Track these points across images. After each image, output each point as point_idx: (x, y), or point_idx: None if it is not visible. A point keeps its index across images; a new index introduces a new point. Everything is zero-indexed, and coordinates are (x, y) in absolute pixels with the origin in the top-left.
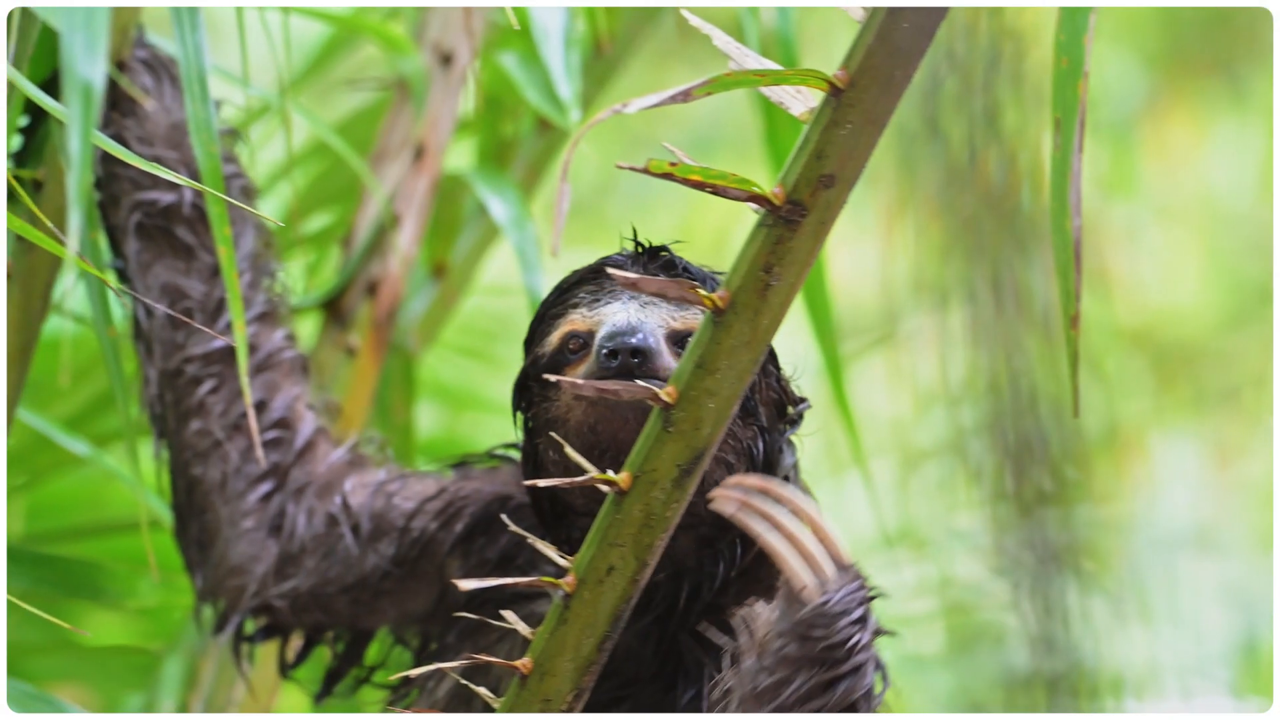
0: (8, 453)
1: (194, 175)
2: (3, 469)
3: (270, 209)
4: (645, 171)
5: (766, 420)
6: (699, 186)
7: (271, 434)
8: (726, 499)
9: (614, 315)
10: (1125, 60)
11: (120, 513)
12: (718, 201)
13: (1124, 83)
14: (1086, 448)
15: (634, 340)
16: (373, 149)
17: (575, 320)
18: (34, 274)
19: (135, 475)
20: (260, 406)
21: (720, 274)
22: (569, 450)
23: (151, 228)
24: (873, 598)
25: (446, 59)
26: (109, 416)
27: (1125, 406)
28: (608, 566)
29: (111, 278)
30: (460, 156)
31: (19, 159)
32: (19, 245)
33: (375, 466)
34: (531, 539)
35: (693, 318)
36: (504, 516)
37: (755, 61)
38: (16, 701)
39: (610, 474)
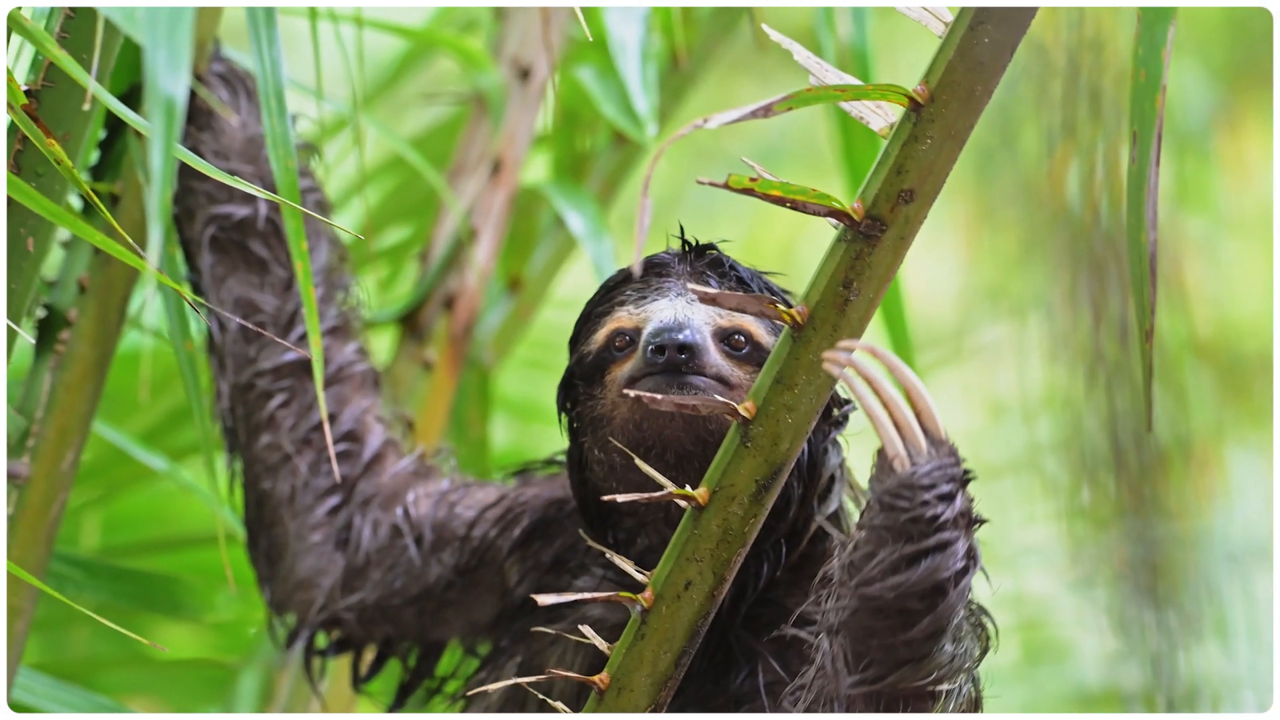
0: (85, 466)
1: (269, 189)
2: (2, 483)
3: (346, 223)
4: (726, 187)
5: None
6: (779, 202)
7: (340, 447)
8: (833, 360)
9: (660, 312)
10: (1193, 72)
11: (196, 527)
12: (783, 214)
13: (1193, 95)
14: (1161, 462)
15: (681, 336)
16: (450, 163)
17: (621, 318)
18: (110, 288)
19: (212, 489)
20: (330, 420)
21: (771, 274)
22: (639, 463)
23: (226, 241)
24: (967, 479)
25: (524, 73)
26: (185, 430)
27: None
28: (685, 581)
29: (188, 291)
30: (536, 170)
31: (95, 172)
32: (95, 259)
33: (440, 477)
34: (609, 553)
35: (739, 315)
36: (573, 525)
37: (835, 76)
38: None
39: (688, 489)
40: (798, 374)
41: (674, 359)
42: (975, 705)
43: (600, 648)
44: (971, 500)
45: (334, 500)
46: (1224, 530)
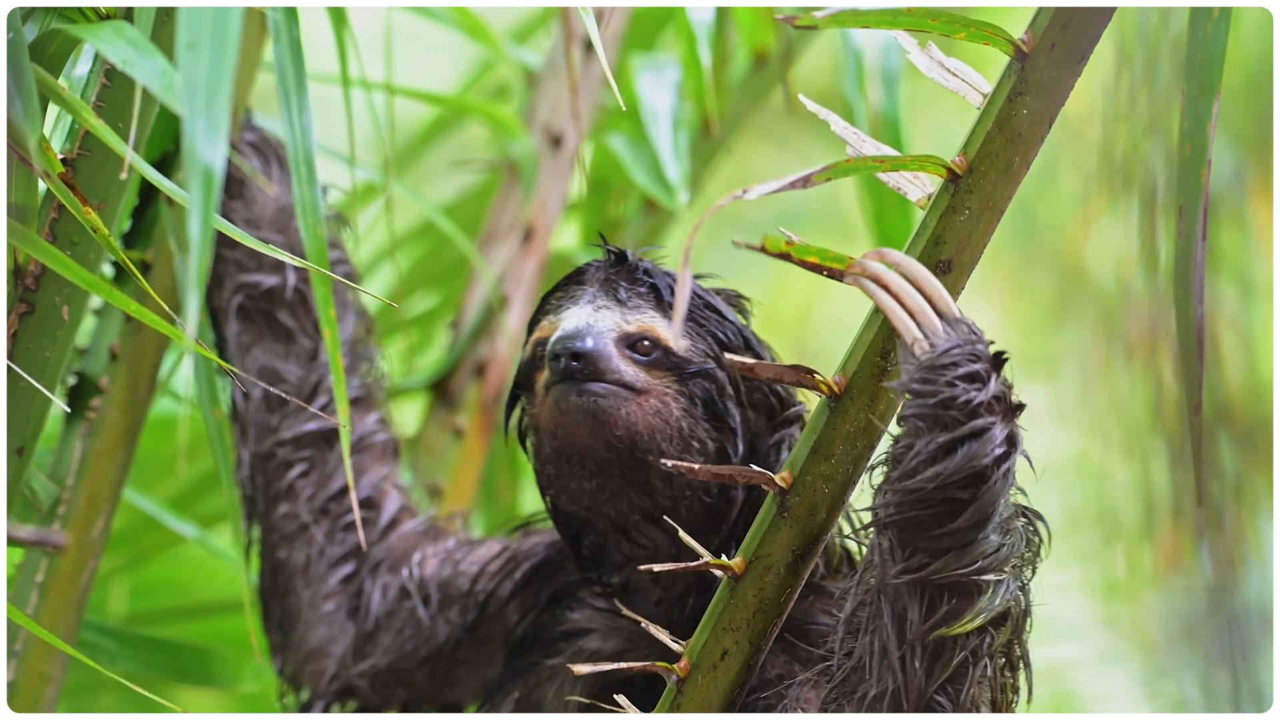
0: (114, 532)
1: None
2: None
3: (376, 289)
4: (763, 250)
5: (755, 423)
6: (815, 269)
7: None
8: (849, 273)
9: (566, 320)
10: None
11: (224, 594)
12: (801, 278)
13: (1217, 160)
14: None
15: (575, 344)
16: (482, 230)
17: (544, 326)
18: (141, 355)
19: (240, 556)
20: (345, 489)
21: (703, 276)
22: (683, 535)
23: (253, 310)
24: (998, 361)
25: (556, 140)
26: (214, 497)
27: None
28: (721, 651)
29: (219, 359)
30: (568, 237)
31: (126, 240)
32: (126, 327)
33: (449, 537)
34: (644, 623)
35: (648, 320)
36: (570, 563)
37: (872, 147)
38: None
39: (724, 559)
40: (835, 444)
41: (569, 367)
42: (1025, 615)
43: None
44: (1007, 384)
45: (347, 569)
46: (1257, 595)
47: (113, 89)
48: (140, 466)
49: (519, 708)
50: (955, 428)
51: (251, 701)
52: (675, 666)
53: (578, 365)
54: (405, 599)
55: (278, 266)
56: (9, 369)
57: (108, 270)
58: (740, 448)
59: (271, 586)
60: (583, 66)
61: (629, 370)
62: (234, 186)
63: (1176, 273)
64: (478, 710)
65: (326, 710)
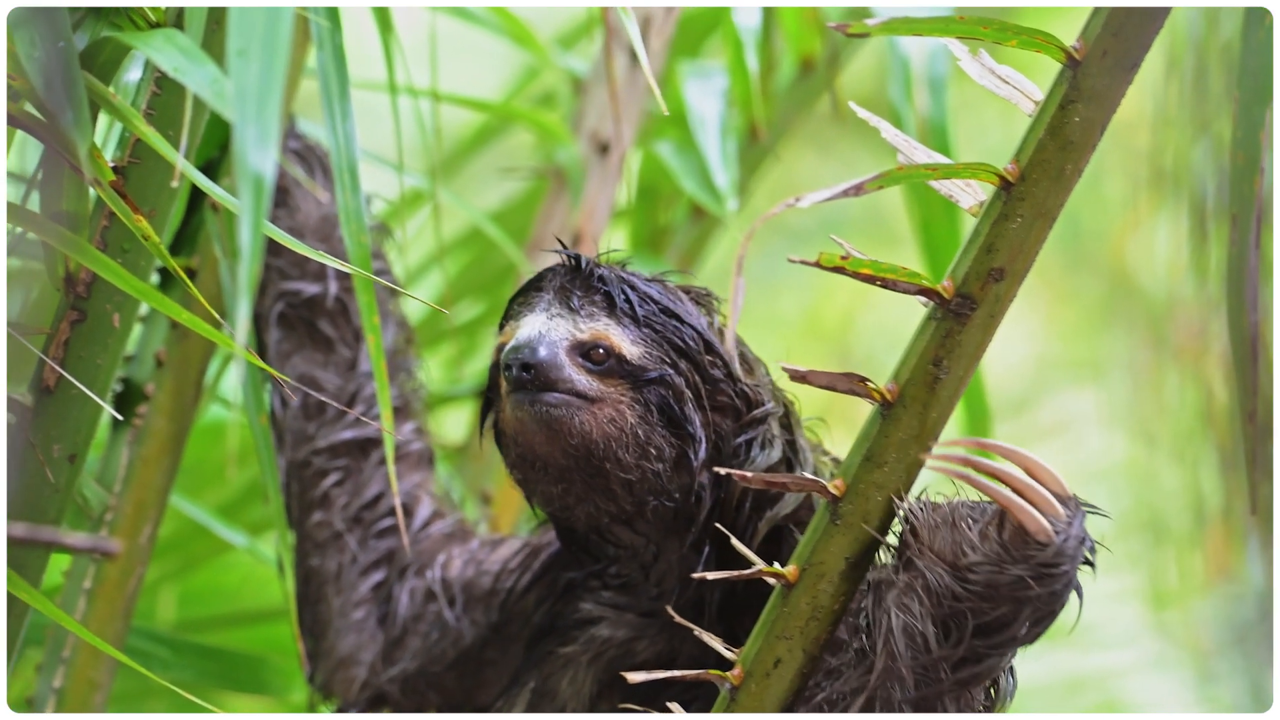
0: (162, 540)
1: (338, 269)
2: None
3: (423, 296)
4: (818, 265)
5: (720, 425)
6: (869, 280)
7: (386, 521)
8: (944, 470)
9: (521, 329)
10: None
11: (273, 601)
12: (844, 286)
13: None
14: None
15: (523, 355)
16: (529, 237)
17: (505, 332)
18: (187, 362)
19: (287, 563)
20: (379, 497)
21: (668, 274)
22: (734, 543)
23: (294, 318)
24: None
25: (603, 147)
26: (261, 504)
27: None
28: (775, 659)
29: (267, 366)
30: (616, 244)
31: (172, 248)
32: (172, 334)
33: (474, 538)
34: (697, 630)
35: (601, 328)
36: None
37: (924, 155)
38: None
39: (778, 566)
40: (887, 451)
41: (520, 377)
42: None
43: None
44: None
45: (378, 576)
46: None
47: (163, 96)
48: (189, 474)
49: (534, 697)
50: (1056, 601)
51: (301, 709)
52: (729, 675)
53: (529, 376)
54: (431, 602)
55: (320, 275)
56: (60, 377)
57: (154, 278)
58: (702, 452)
59: (303, 594)
60: (629, 73)
61: (581, 379)
62: (278, 194)
63: (1229, 281)
64: (496, 701)
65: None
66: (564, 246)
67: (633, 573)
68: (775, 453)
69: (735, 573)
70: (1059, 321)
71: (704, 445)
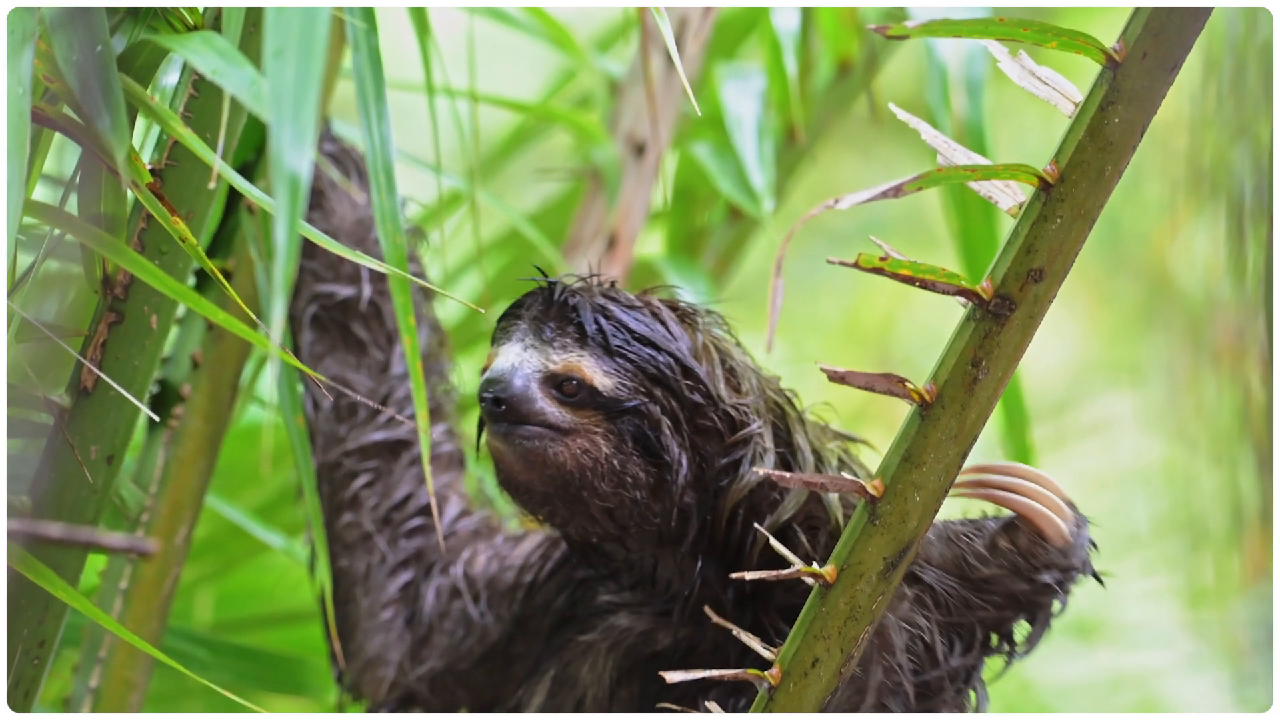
0: (200, 541)
1: (373, 272)
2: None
3: (461, 297)
4: (856, 266)
5: (704, 448)
6: (909, 281)
7: (415, 521)
8: (966, 490)
9: (498, 359)
10: None
11: (307, 602)
12: (884, 288)
13: None
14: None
15: (494, 390)
16: (566, 238)
17: (488, 356)
18: (223, 363)
19: (322, 559)
20: (408, 498)
21: (654, 292)
22: (774, 544)
23: (327, 320)
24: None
25: (639, 148)
26: (297, 505)
27: None
28: (813, 659)
29: (304, 367)
30: (651, 245)
31: (208, 250)
32: (208, 335)
33: (498, 533)
34: (736, 630)
35: (574, 359)
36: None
37: (963, 156)
38: None
39: (816, 566)
40: (926, 452)
41: (494, 411)
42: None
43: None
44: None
45: (406, 576)
46: None
47: (201, 99)
48: (225, 475)
49: (555, 685)
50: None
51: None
52: (767, 674)
53: (501, 409)
54: (456, 599)
55: (354, 278)
56: (98, 378)
57: (190, 280)
58: (681, 478)
59: (332, 595)
60: (665, 75)
61: (553, 411)
62: (313, 197)
63: (1267, 281)
64: (518, 691)
65: None
66: (543, 274)
67: (639, 578)
68: (768, 465)
69: (773, 573)
70: (1098, 324)
71: (684, 471)
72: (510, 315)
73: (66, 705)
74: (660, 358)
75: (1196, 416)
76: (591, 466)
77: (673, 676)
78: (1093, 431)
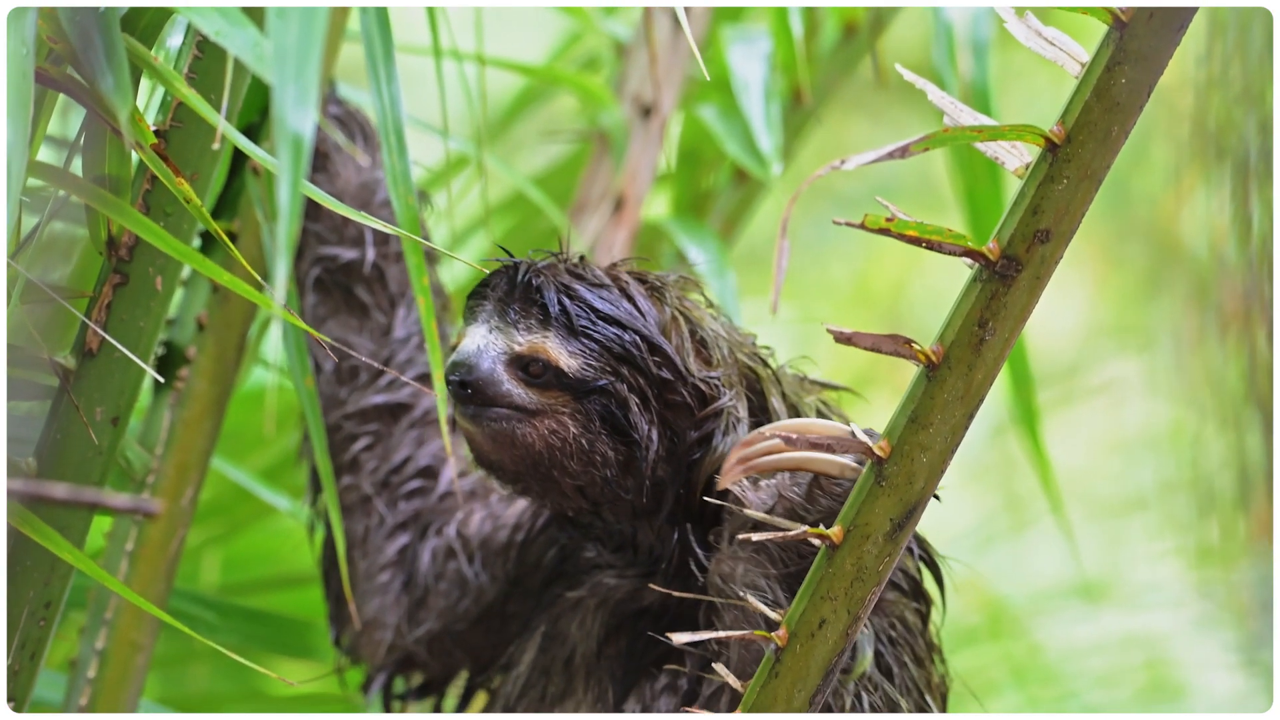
0: (207, 504)
1: (376, 236)
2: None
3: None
4: (862, 227)
5: (675, 423)
6: (915, 242)
7: (413, 484)
8: (734, 476)
9: (465, 341)
10: None
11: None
12: (895, 252)
13: None
14: None
15: (459, 374)
16: (573, 201)
17: (458, 335)
18: (228, 325)
19: (338, 527)
20: (406, 461)
21: (624, 268)
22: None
23: (331, 283)
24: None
25: (646, 111)
26: (301, 468)
27: None
28: (819, 620)
29: (309, 328)
30: (658, 207)
31: (213, 212)
32: (213, 297)
33: (493, 493)
34: (741, 595)
35: (538, 340)
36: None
37: (970, 117)
38: None
39: (823, 528)
40: (933, 413)
41: (460, 394)
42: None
43: (735, 687)
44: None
45: (404, 539)
46: None
47: (205, 60)
48: (233, 438)
49: (545, 641)
50: None
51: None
52: (774, 635)
53: (470, 393)
54: (451, 559)
55: (357, 241)
56: (103, 340)
57: (196, 241)
58: (652, 454)
59: (330, 557)
60: (671, 37)
61: (519, 393)
62: (317, 160)
63: (1274, 242)
64: (509, 648)
65: (390, 683)
66: (508, 254)
67: (620, 543)
68: (741, 434)
69: (779, 534)
70: (1106, 288)
71: (654, 447)
72: (476, 296)
73: (73, 667)
74: (626, 336)
75: (1203, 379)
76: (560, 446)
77: (678, 638)
78: (1100, 395)
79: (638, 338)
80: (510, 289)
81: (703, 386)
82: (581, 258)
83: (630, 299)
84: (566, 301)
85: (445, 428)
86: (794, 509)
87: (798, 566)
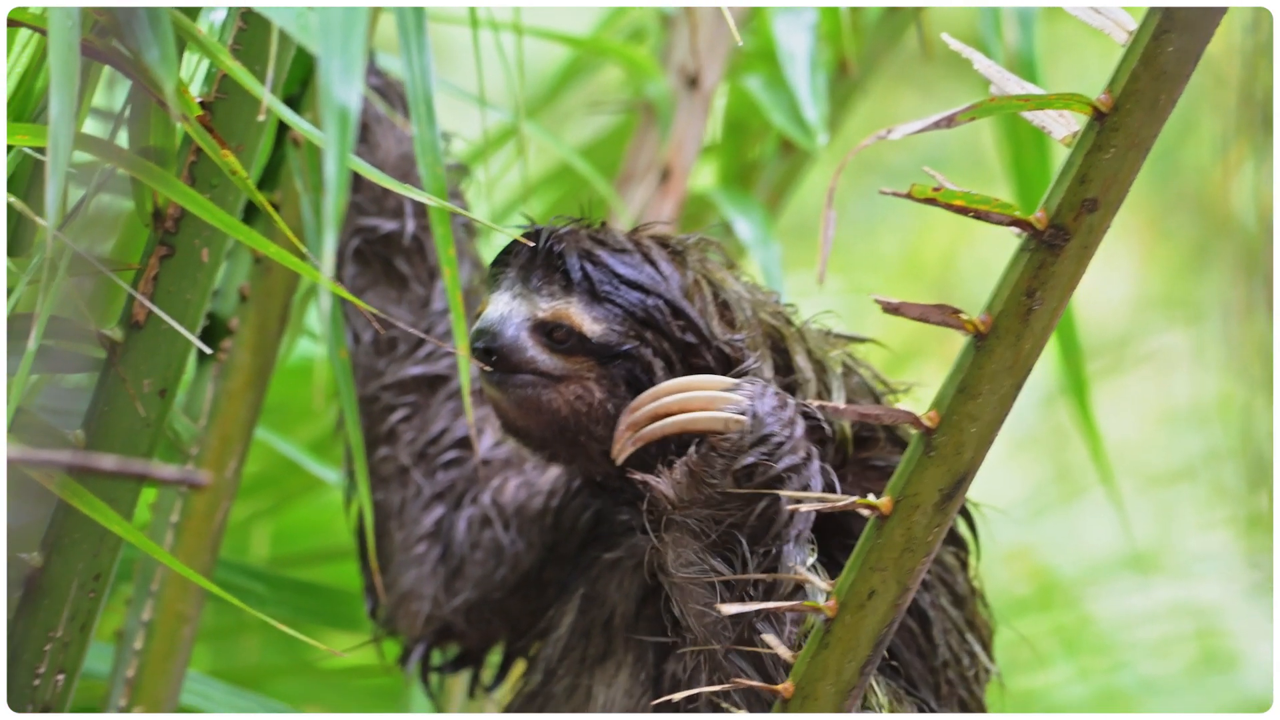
0: (255, 477)
1: (416, 207)
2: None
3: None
4: (909, 196)
5: None
6: (962, 211)
7: (450, 454)
8: (624, 447)
9: (489, 307)
10: None
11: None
12: (945, 225)
13: None
14: None
15: (483, 341)
16: (619, 171)
17: (483, 302)
18: (271, 296)
19: (367, 501)
20: (444, 432)
21: (646, 238)
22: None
23: (370, 254)
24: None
25: (692, 81)
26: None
27: None
28: (869, 591)
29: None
30: (704, 178)
31: (256, 184)
32: (255, 268)
33: (528, 462)
34: (794, 566)
35: (562, 306)
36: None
37: (1017, 86)
38: None
39: (872, 499)
40: (981, 383)
41: (485, 360)
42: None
43: (785, 658)
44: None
45: (441, 510)
46: None
47: (249, 32)
48: (280, 411)
49: (583, 603)
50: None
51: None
52: (824, 606)
53: (495, 360)
54: (487, 528)
55: (397, 212)
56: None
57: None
58: None
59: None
60: (715, 8)
61: (544, 358)
62: (358, 131)
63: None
64: (549, 612)
65: (427, 655)
66: (530, 221)
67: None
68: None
69: (827, 505)
70: (1155, 260)
71: None
72: (499, 263)
73: (119, 639)
74: (649, 301)
75: (1253, 350)
76: (586, 411)
77: (727, 609)
78: (1148, 365)
79: (661, 301)
80: (533, 256)
81: (727, 349)
82: (603, 223)
83: (653, 263)
84: (589, 267)
85: (469, 401)
86: (703, 481)
87: (718, 532)
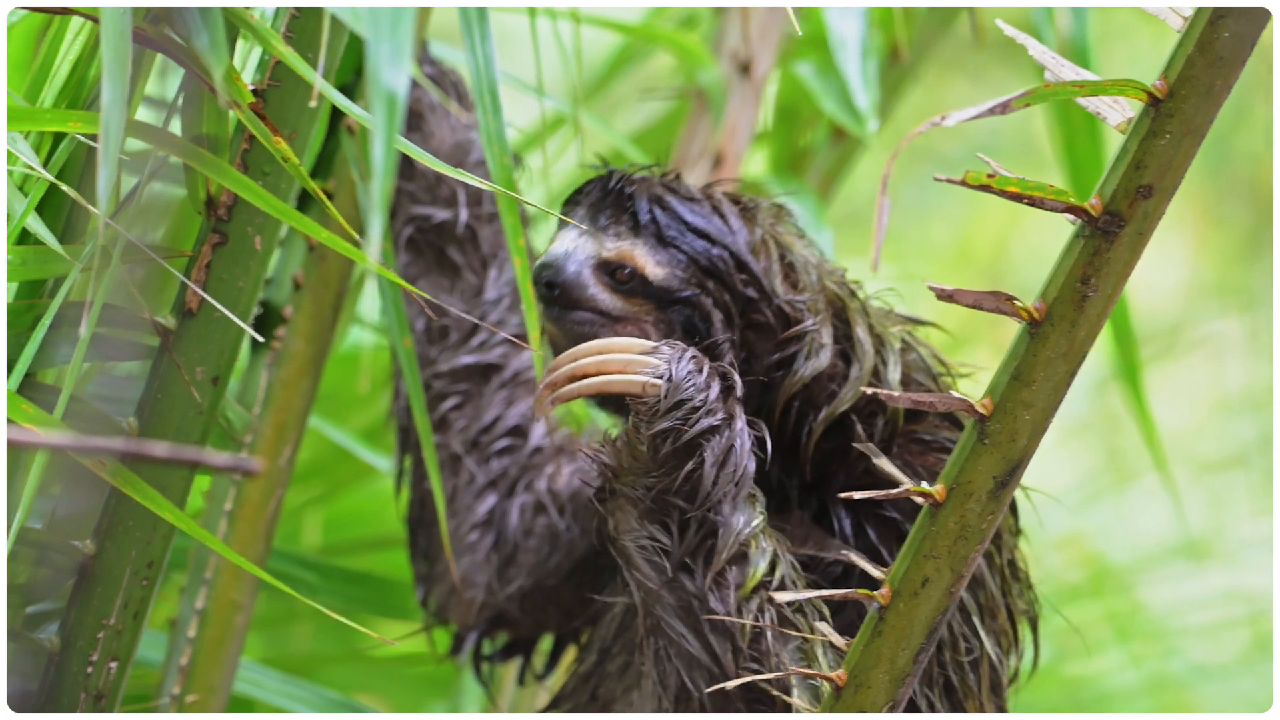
0: (307, 464)
1: (470, 196)
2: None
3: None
4: (963, 183)
5: (754, 343)
6: (1016, 198)
7: (502, 443)
8: (544, 408)
9: (554, 244)
10: None
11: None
12: (997, 211)
13: None
14: None
15: (548, 274)
16: (671, 159)
17: (549, 241)
18: (325, 284)
19: (437, 484)
20: (496, 420)
21: (709, 194)
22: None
23: (423, 243)
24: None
25: (744, 68)
26: None
27: None
28: (923, 579)
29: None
30: (756, 165)
31: (310, 172)
32: (309, 256)
33: (581, 450)
34: (845, 551)
35: (627, 247)
36: None
37: (1071, 72)
38: (318, 708)
39: (925, 486)
40: (1035, 370)
41: (547, 295)
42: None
43: (839, 645)
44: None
45: (493, 498)
46: None
47: (301, 19)
48: (332, 399)
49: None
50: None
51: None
52: (877, 594)
53: (554, 293)
54: (541, 514)
55: (450, 201)
56: (203, 300)
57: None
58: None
59: (419, 517)
60: None
61: (605, 297)
62: (411, 120)
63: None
64: (602, 592)
65: (480, 643)
66: (603, 162)
67: None
68: (824, 359)
69: (881, 492)
70: (1208, 248)
71: (733, 364)
72: (570, 202)
73: (172, 627)
74: (714, 250)
75: None
76: None
77: (781, 597)
78: (1201, 352)
79: (726, 253)
80: (603, 195)
81: (787, 309)
82: (677, 174)
83: (722, 215)
84: (658, 211)
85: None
86: (635, 450)
87: (650, 498)
